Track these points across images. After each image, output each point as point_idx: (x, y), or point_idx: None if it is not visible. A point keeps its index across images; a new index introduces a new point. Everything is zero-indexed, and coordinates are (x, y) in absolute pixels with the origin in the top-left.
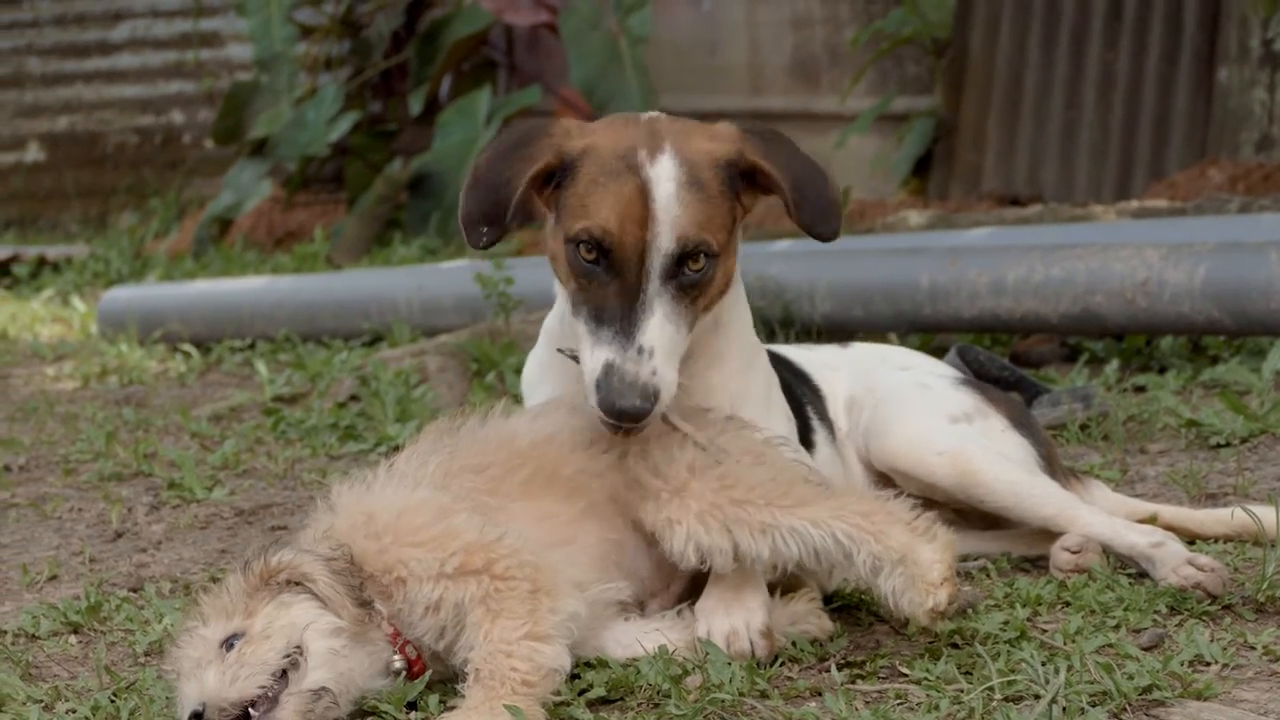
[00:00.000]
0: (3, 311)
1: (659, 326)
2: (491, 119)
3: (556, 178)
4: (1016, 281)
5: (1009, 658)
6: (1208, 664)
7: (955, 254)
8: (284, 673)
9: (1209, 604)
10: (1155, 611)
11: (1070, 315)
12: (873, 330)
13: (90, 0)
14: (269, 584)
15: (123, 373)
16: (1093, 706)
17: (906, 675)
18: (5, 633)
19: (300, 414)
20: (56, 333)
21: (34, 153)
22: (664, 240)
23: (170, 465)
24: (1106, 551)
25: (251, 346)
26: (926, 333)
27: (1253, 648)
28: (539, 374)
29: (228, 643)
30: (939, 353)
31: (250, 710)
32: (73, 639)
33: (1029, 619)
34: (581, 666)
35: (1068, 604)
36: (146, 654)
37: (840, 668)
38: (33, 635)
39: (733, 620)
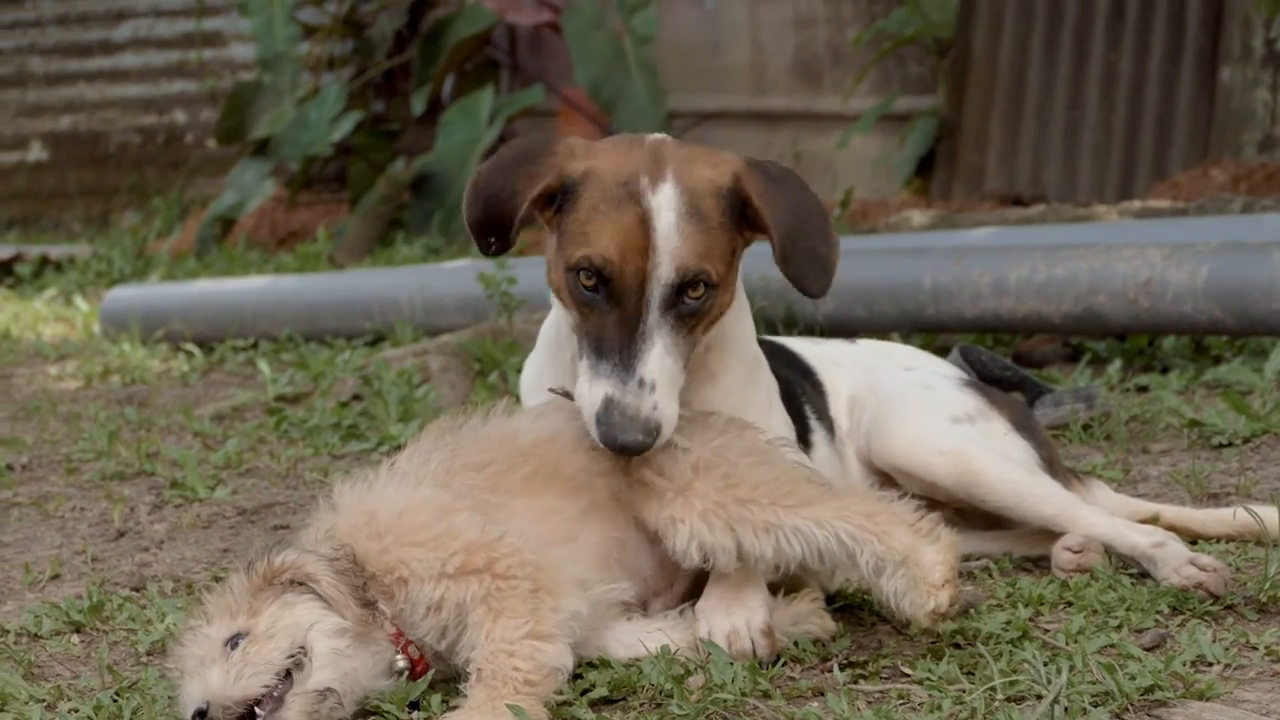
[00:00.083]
0: (5, 311)
1: (659, 358)
2: (494, 119)
3: (558, 200)
4: (1019, 281)
5: (1011, 658)
6: (1210, 664)
7: (958, 254)
8: (288, 673)
9: (1211, 604)
10: (1157, 612)
11: (1073, 315)
12: (875, 330)
13: None
14: (273, 584)
15: (125, 372)
16: (1095, 707)
17: (909, 675)
18: (8, 632)
19: (303, 413)
20: (59, 332)
21: (37, 152)
22: (664, 270)
23: (173, 464)
24: (1108, 551)
25: (254, 346)
26: (929, 332)
27: (1255, 648)
28: (535, 381)
29: (232, 641)
30: (941, 352)
31: (256, 710)
32: (75, 638)
33: (1031, 619)
34: (584, 666)
35: (1070, 604)
36: (149, 653)
37: (842, 668)
38: (35, 634)
39: (734, 620)
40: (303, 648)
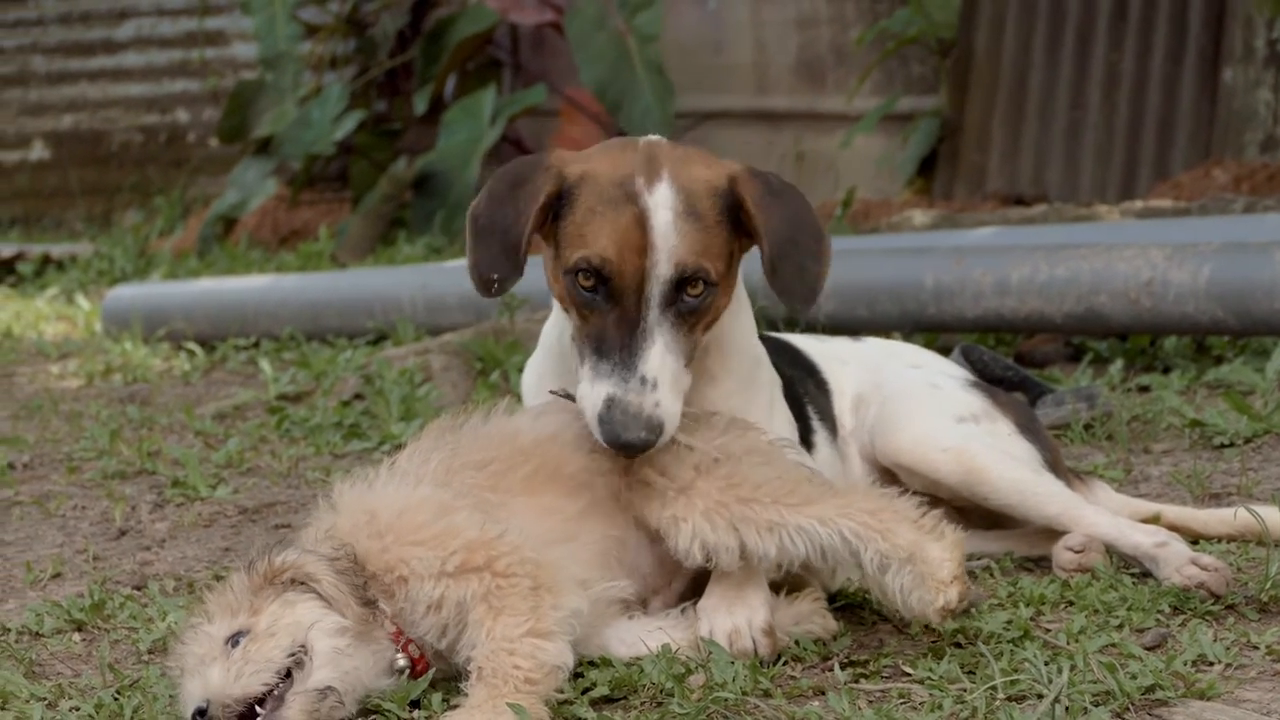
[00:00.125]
0: (7, 309)
1: (660, 356)
2: (496, 118)
3: (554, 208)
4: (1021, 281)
5: (1012, 657)
6: (1211, 664)
7: (960, 253)
8: (289, 672)
9: (1212, 604)
10: (1158, 611)
11: (1074, 315)
12: (877, 330)
13: None
14: (273, 583)
15: (127, 371)
16: (1096, 706)
17: (910, 674)
18: (9, 630)
19: (304, 412)
20: (61, 331)
21: (39, 151)
22: (662, 268)
23: (174, 463)
24: (1110, 551)
25: (256, 345)
26: (931, 332)
27: (1256, 647)
28: (537, 382)
29: (232, 640)
30: (943, 352)
31: (256, 708)
32: (76, 637)
33: (1032, 618)
34: (585, 665)
35: (1071, 603)
36: (150, 652)
37: (843, 667)
38: (36, 633)
39: (735, 619)
40: (303, 646)
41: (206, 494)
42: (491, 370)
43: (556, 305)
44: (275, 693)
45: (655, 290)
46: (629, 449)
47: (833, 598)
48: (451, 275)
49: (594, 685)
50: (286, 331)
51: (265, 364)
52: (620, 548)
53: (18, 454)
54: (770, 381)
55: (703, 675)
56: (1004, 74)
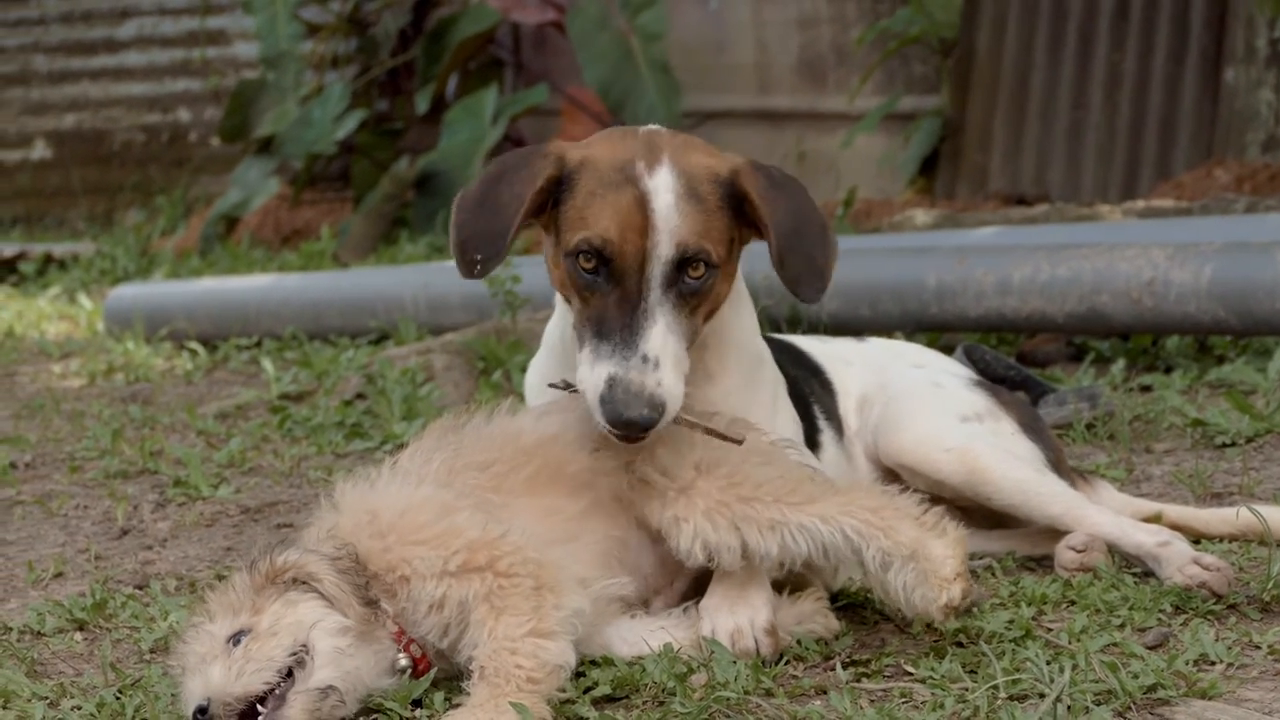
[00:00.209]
0: (9, 309)
1: (662, 336)
2: (498, 118)
3: (554, 194)
4: (1023, 281)
5: (1014, 656)
6: (1212, 663)
7: (962, 253)
8: (290, 671)
9: (1214, 603)
10: (1160, 610)
11: (1076, 315)
12: (879, 329)
13: None
14: (275, 582)
15: (129, 370)
16: (1097, 705)
17: (911, 674)
18: (11, 629)
19: (306, 412)
20: (63, 330)
21: (40, 150)
22: (664, 248)
23: (176, 463)
24: (1112, 550)
25: (258, 344)
26: (933, 332)
27: (1258, 647)
28: (539, 383)
29: (234, 639)
30: (945, 352)
31: (258, 707)
32: (78, 636)
33: (1034, 618)
34: (587, 664)
35: (1073, 603)
36: (152, 651)
37: (845, 666)
38: (38, 632)
39: (737, 618)
40: (305, 646)
41: (208, 493)
42: (494, 370)
43: (559, 304)
44: (277, 692)
45: (656, 270)
46: (631, 427)
47: (835, 597)
48: (453, 275)
49: (596, 684)
50: (288, 331)
51: (267, 363)
52: (622, 548)
53: (20, 453)
54: (773, 380)
55: (705, 674)
56: (1006, 73)
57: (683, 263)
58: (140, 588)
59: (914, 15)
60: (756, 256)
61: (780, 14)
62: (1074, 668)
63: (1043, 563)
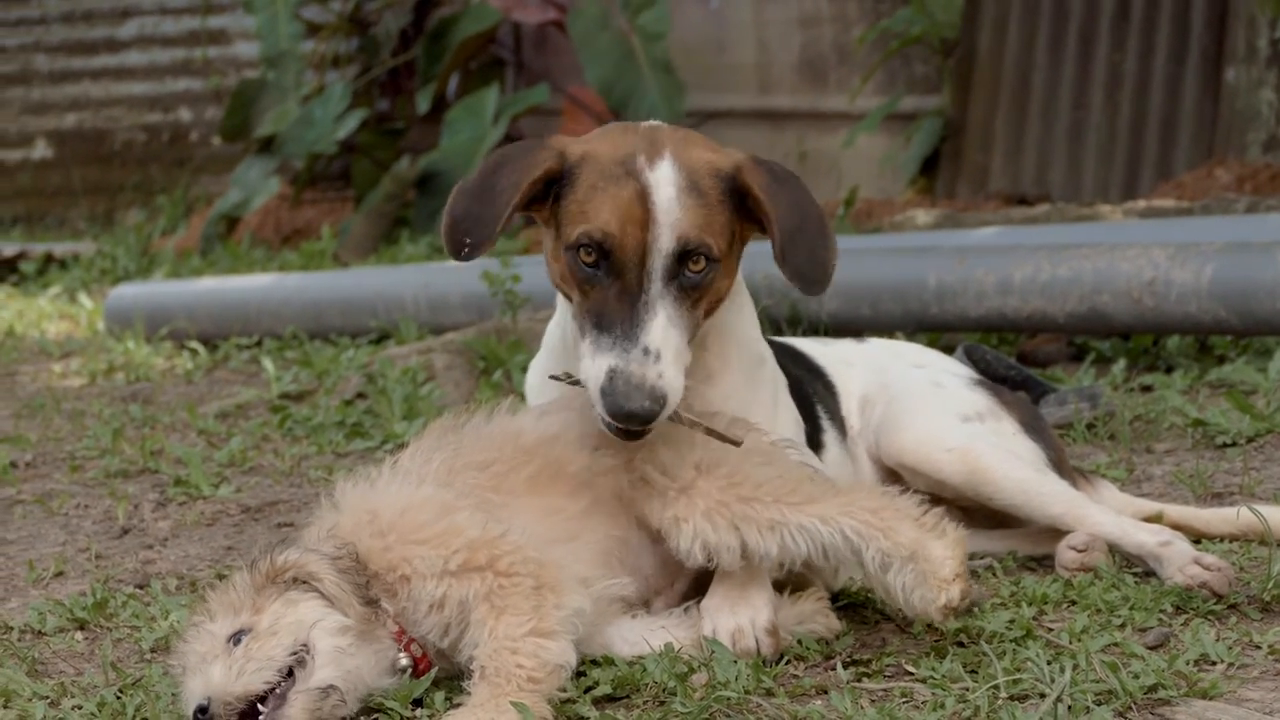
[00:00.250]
0: (10, 308)
1: (663, 328)
2: (499, 117)
3: (555, 188)
4: (1023, 281)
5: (1015, 656)
6: (1213, 663)
7: (962, 253)
8: (291, 671)
9: (1214, 603)
10: (1161, 610)
11: (1077, 314)
12: (879, 329)
13: None
14: (276, 582)
15: (129, 370)
16: (1098, 705)
17: (912, 673)
18: (11, 629)
19: (307, 411)
20: (63, 330)
21: (41, 150)
22: (664, 241)
23: (177, 462)
24: (1114, 550)
25: (258, 344)
26: (934, 332)
27: (1258, 647)
28: (540, 383)
29: (234, 638)
30: (945, 352)
31: (259, 706)
32: (79, 635)
33: (1035, 618)
34: (587, 664)
35: (1074, 603)
36: (152, 650)
37: (846, 666)
38: (39, 631)
39: (738, 618)
40: (305, 645)
41: (209, 493)
42: (494, 369)
43: (560, 304)
44: (277, 691)
45: (657, 263)
46: (632, 419)
47: (835, 597)
48: (454, 274)
49: (597, 684)
50: (289, 330)
51: (268, 363)
52: (623, 547)
53: (20, 452)
54: (774, 379)
55: (705, 674)
56: (1007, 74)
57: (683, 256)
58: (141, 587)
59: (915, 15)
60: (757, 257)
61: (781, 13)
62: (1075, 668)
63: (1044, 562)
